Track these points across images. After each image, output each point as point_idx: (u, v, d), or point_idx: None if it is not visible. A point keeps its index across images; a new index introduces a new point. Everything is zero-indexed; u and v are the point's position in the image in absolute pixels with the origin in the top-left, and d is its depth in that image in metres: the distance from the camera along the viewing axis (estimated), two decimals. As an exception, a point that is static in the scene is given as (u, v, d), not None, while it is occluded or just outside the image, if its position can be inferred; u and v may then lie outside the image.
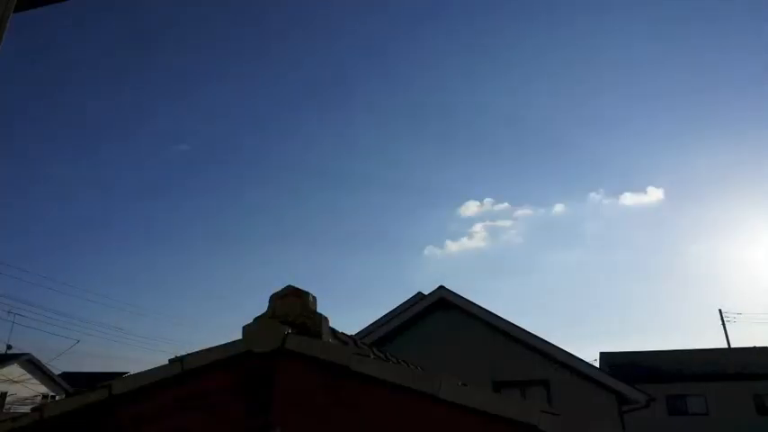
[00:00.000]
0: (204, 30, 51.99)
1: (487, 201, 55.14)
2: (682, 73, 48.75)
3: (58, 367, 33.98)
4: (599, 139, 55.04)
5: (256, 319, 3.36)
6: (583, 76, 51.04)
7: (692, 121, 51.70)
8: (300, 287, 3.46)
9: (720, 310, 35.15)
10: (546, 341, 11.41)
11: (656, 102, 50.62)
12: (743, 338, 60.00)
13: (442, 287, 12.30)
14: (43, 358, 31.53)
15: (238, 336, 3.27)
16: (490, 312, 11.83)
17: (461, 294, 12.18)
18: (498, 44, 51.39)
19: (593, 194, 54.87)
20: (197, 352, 3.34)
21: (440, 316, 12.30)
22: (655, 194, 51.09)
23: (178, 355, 3.44)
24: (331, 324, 3.58)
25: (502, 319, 11.76)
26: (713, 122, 51.91)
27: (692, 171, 55.27)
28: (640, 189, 54.55)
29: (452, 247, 58.21)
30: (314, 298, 3.48)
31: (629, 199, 52.51)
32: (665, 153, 54.65)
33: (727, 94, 50.35)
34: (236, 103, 56.28)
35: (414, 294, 14.75)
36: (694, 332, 64.65)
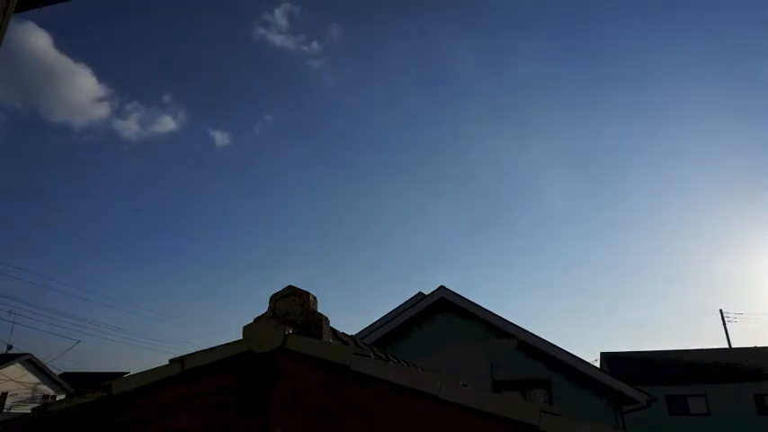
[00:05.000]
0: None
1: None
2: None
3: (58, 367, 33.97)
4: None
5: (257, 319, 3.35)
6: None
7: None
8: (301, 287, 3.46)
9: (721, 310, 35.15)
10: (546, 341, 11.40)
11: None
12: (743, 338, 60.05)
13: (442, 287, 12.29)
14: (43, 358, 31.52)
15: (239, 336, 3.26)
16: (490, 312, 11.82)
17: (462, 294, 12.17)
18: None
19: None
20: (197, 352, 3.34)
21: (440, 316, 12.29)
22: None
23: (178, 355, 3.44)
24: (331, 324, 3.57)
25: (502, 318, 11.75)
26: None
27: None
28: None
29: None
30: (314, 298, 3.47)
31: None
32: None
33: None
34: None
35: (414, 294, 14.74)
36: (694, 332, 64.63)
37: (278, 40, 55.50)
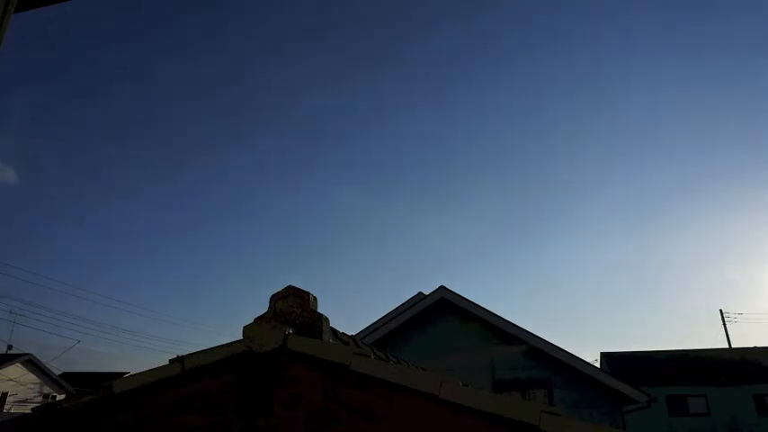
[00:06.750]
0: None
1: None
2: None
3: (58, 367, 33.93)
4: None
5: (257, 319, 3.35)
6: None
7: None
8: (301, 287, 3.45)
9: (721, 311, 35.14)
10: (547, 341, 11.39)
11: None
12: (744, 338, 60.10)
13: (442, 287, 12.28)
14: (43, 358, 31.49)
15: (239, 336, 3.26)
16: (491, 312, 11.81)
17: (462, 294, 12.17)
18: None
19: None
20: (197, 352, 3.33)
21: (440, 316, 12.28)
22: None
23: (178, 355, 3.43)
24: (331, 324, 3.57)
25: (502, 319, 11.74)
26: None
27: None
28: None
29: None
30: (314, 298, 3.47)
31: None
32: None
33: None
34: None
35: (414, 294, 14.73)
36: (695, 332, 64.66)
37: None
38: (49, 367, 31.94)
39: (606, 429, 2.61)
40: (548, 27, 51.93)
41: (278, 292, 3.42)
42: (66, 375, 35.07)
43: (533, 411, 2.63)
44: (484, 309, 11.89)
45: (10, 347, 29.25)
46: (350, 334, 4.30)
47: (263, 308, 3.43)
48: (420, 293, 14.38)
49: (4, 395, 29.18)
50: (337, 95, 57.70)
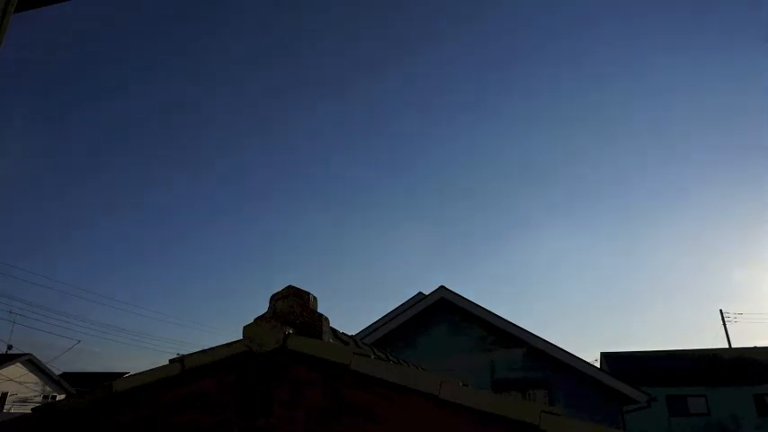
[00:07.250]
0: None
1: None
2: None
3: (58, 367, 33.90)
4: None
5: (257, 319, 3.34)
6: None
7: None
8: (301, 287, 3.45)
9: (721, 311, 35.12)
10: (547, 341, 11.39)
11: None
12: (744, 338, 60.09)
13: (442, 287, 12.27)
14: (43, 358, 31.47)
15: (239, 336, 3.26)
16: (491, 312, 11.80)
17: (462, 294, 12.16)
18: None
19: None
20: (197, 352, 3.33)
21: (440, 316, 12.27)
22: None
23: (178, 355, 3.43)
24: (331, 324, 3.57)
25: (502, 319, 11.73)
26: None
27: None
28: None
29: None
30: (314, 298, 3.46)
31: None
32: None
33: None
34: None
35: (415, 294, 14.72)
36: (695, 332, 64.63)
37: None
38: (49, 367, 31.93)
39: (606, 429, 2.61)
40: (548, 27, 51.98)
41: (278, 292, 3.41)
42: (66, 375, 35.04)
43: (533, 411, 2.63)
44: (484, 309, 11.88)
45: (10, 347, 29.24)
46: (350, 334, 4.30)
47: (263, 308, 3.43)
48: (420, 293, 14.36)
49: (5, 395, 29.17)
50: (339, 96, 57.74)
